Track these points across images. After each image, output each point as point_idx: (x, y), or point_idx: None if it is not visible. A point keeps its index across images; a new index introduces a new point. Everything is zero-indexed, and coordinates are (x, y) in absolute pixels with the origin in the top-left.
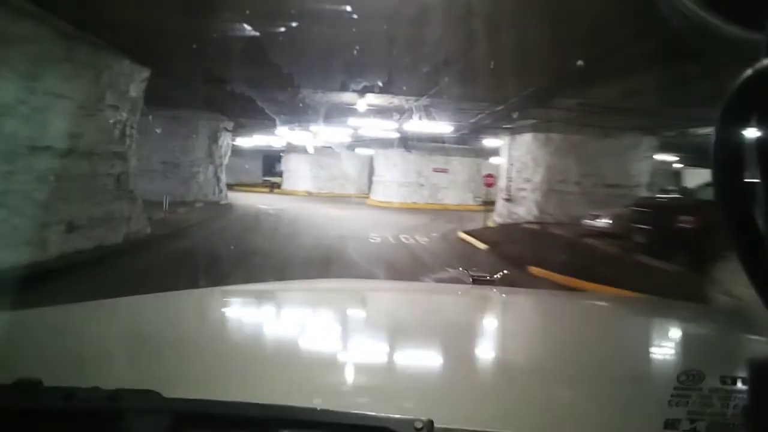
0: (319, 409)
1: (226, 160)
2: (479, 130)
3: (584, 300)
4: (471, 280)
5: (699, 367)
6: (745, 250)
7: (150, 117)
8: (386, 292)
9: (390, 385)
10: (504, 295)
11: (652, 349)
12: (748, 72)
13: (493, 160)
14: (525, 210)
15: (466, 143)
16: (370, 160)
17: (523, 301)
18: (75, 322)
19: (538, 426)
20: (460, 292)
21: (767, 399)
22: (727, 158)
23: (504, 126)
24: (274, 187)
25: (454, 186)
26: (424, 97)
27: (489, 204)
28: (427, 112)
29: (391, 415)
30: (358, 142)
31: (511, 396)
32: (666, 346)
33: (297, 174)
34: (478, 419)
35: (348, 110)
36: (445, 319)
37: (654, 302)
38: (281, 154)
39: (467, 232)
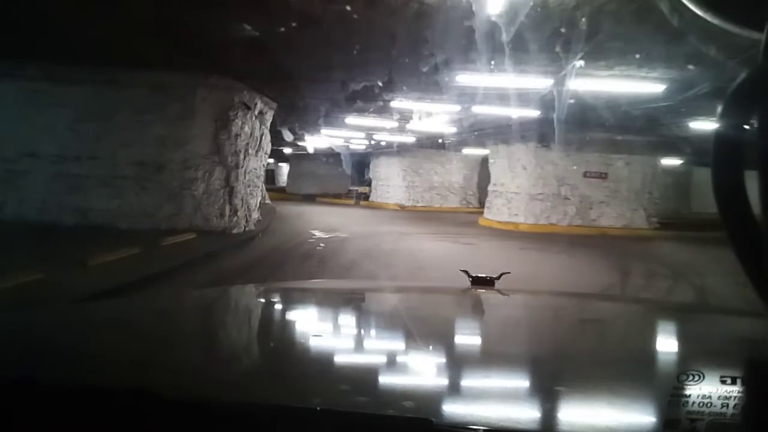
0: (319, 409)
1: (254, 161)
2: (717, 90)
3: (584, 301)
4: (471, 280)
5: (699, 367)
6: (744, 249)
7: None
8: (386, 293)
9: (390, 385)
10: (504, 295)
11: (652, 350)
12: (748, 71)
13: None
14: None
15: (651, 130)
16: (481, 164)
17: (523, 301)
18: (75, 322)
19: (537, 426)
20: (460, 292)
21: (767, 399)
22: (726, 157)
23: None
24: (360, 198)
25: (616, 199)
26: None
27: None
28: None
29: (391, 415)
30: (469, 132)
31: (511, 396)
32: (666, 346)
33: (387, 182)
34: (478, 419)
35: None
36: (445, 319)
37: (654, 303)
38: (372, 157)
39: None
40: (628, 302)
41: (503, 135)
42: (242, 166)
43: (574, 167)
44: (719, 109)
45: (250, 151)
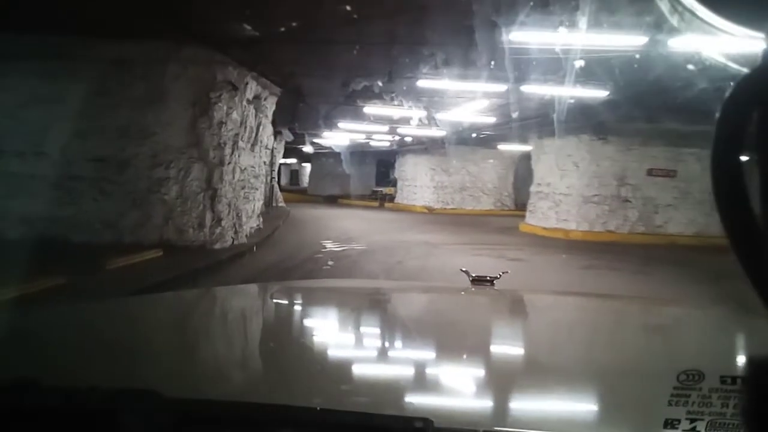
0: (319, 409)
1: (249, 157)
2: None
3: (584, 300)
4: (471, 280)
5: (699, 367)
6: (744, 248)
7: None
8: (386, 293)
9: (390, 385)
10: (504, 295)
11: (652, 349)
12: (749, 71)
13: None
14: None
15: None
16: (517, 162)
17: (523, 300)
18: (75, 322)
19: (538, 426)
20: (460, 293)
21: (767, 399)
22: (726, 158)
23: None
24: (385, 200)
25: (686, 202)
26: None
27: None
28: None
29: (391, 415)
30: (509, 122)
31: (511, 396)
32: (666, 346)
33: (413, 182)
34: (478, 419)
35: None
36: (445, 319)
37: (654, 302)
38: (397, 156)
39: None
40: (627, 301)
41: (550, 126)
42: (230, 163)
43: (637, 163)
44: (719, 109)
45: (242, 144)
